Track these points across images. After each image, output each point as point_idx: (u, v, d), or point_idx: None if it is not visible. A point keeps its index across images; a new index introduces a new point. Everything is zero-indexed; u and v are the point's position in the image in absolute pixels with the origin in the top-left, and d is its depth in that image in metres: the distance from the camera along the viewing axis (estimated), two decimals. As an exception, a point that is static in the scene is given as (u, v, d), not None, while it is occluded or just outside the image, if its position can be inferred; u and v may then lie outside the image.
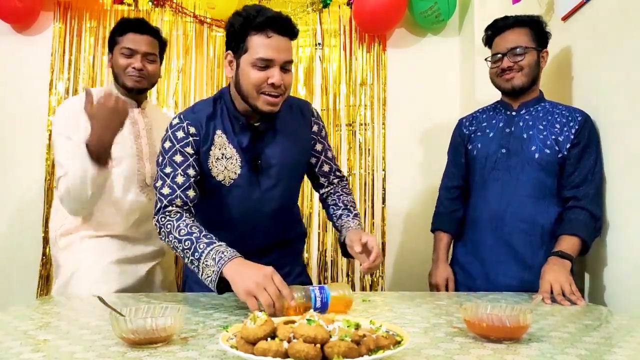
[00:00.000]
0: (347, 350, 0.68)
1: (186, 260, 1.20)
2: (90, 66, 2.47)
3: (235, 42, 1.28)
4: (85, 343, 0.87)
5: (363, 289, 2.43)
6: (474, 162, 1.65)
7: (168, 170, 1.30)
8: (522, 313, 0.91)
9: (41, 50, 2.45)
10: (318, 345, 0.68)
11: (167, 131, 1.33)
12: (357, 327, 0.74)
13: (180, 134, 1.31)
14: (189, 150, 1.31)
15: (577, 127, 1.51)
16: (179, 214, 1.25)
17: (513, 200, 1.53)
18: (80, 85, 2.46)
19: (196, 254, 1.16)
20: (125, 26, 1.69)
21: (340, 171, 1.57)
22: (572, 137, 1.51)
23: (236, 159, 1.35)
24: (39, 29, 2.48)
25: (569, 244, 1.43)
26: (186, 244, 1.19)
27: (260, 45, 1.24)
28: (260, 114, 1.31)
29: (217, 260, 1.13)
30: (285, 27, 1.26)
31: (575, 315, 1.16)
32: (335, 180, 1.54)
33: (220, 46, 2.58)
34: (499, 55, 1.58)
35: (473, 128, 1.71)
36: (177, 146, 1.30)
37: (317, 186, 1.56)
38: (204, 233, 1.20)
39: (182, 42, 2.55)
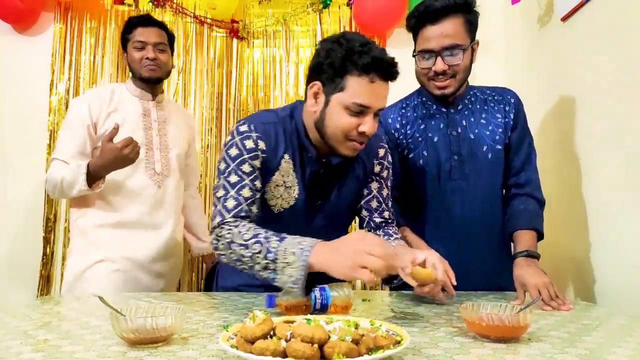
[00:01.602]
0: (348, 351, 0.68)
1: (257, 268, 1.05)
2: (90, 66, 2.48)
3: (329, 75, 1.13)
4: (86, 343, 0.87)
5: (364, 287, 2.43)
6: (420, 173, 1.48)
7: (234, 179, 1.17)
8: (522, 313, 0.91)
9: (42, 51, 2.46)
10: (315, 345, 0.68)
11: (233, 136, 1.21)
12: (357, 326, 0.74)
13: (249, 144, 1.19)
14: (257, 163, 1.20)
15: (513, 111, 1.48)
16: (237, 222, 1.13)
17: (476, 209, 1.45)
18: (81, 86, 2.46)
19: (269, 254, 1.02)
20: (133, 23, 1.83)
21: (389, 212, 1.36)
22: (512, 122, 1.47)
23: (295, 191, 1.25)
24: (40, 30, 2.49)
25: (530, 240, 1.38)
26: (254, 247, 1.04)
27: (360, 89, 1.10)
28: (338, 155, 1.21)
29: (298, 253, 0.99)
30: (391, 72, 1.12)
31: (575, 315, 1.16)
32: (378, 221, 1.34)
33: (220, 46, 2.59)
34: (432, 53, 1.36)
35: (408, 131, 1.50)
36: (246, 156, 1.19)
37: (359, 221, 1.39)
38: (270, 232, 1.07)
39: (182, 42, 2.55)
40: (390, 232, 1.33)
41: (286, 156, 1.23)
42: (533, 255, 1.35)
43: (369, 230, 1.35)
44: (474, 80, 1.55)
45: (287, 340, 0.70)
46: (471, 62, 1.42)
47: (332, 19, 2.59)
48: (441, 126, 1.48)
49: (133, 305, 0.93)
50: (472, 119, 1.48)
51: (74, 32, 2.49)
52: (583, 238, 1.58)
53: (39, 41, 2.47)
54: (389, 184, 1.38)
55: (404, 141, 1.51)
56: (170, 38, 1.89)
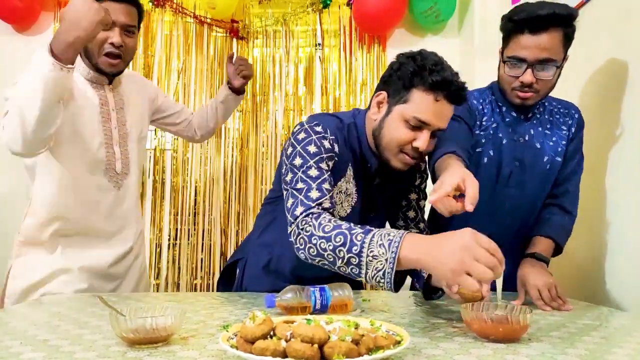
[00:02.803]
0: (348, 351, 0.68)
1: (339, 263, 0.99)
2: (90, 66, 2.48)
3: (396, 87, 1.15)
4: (85, 343, 0.87)
5: (364, 287, 2.42)
6: (479, 171, 1.43)
7: (314, 173, 1.13)
8: (522, 313, 0.91)
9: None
10: (315, 346, 0.68)
11: (308, 134, 1.17)
12: (357, 327, 0.74)
13: (327, 144, 1.17)
14: (331, 164, 1.18)
15: (575, 126, 1.47)
16: (317, 214, 1.06)
17: (518, 217, 1.46)
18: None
19: (354, 247, 0.95)
20: None
21: (424, 224, 1.39)
22: (572, 136, 1.47)
23: (353, 199, 1.25)
24: (40, 29, 2.49)
25: (543, 245, 1.38)
26: (337, 239, 0.98)
27: (424, 105, 1.11)
28: (390, 168, 1.21)
29: (387, 245, 0.92)
30: (458, 96, 1.12)
31: (575, 315, 1.16)
32: (413, 232, 1.30)
33: (220, 46, 2.59)
34: (523, 62, 1.31)
35: (483, 122, 1.46)
36: (325, 155, 1.16)
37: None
38: (352, 224, 1.01)
39: (182, 42, 2.55)
40: None
41: (350, 164, 1.23)
42: (540, 259, 1.34)
43: None
44: (474, 83, 1.55)
45: (287, 341, 0.70)
46: (558, 76, 1.37)
47: (332, 19, 2.59)
48: (509, 131, 1.44)
49: (133, 305, 0.93)
50: (540, 129, 1.45)
51: (73, 32, 2.48)
52: (588, 238, 1.58)
53: (39, 41, 2.47)
54: (426, 195, 1.40)
55: (477, 131, 1.44)
56: (141, 15, 1.55)
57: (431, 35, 2.54)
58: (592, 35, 1.60)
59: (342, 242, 0.97)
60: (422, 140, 1.13)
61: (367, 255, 0.94)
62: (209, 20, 2.56)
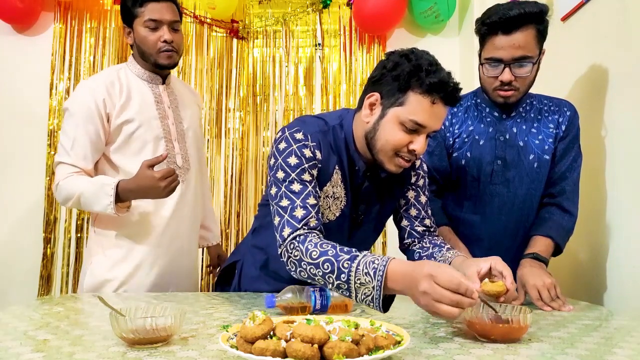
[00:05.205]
0: (348, 351, 0.68)
1: (330, 286, 1.02)
2: (90, 67, 2.48)
3: (391, 88, 1.12)
4: (85, 343, 0.87)
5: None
6: (461, 173, 1.49)
7: (297, 187, 1.12)
8: (522, 313, 0.91)
9: (42, 51, 2.46)
10: (315, 346, 0.68)
11: (288, 143, 1.15)
12: (357, 327, 0.74)
13: (307, 153, 1.15)
14: (314, 172, 1.16)
15: (566, 122, 1.46)
16: (303, 236, 1.07)
17: (512, 217, 1.46)
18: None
19: (342, 275, 0.98)
20: None
21: (430, 220, 1.36)
22: (562, 133, 1.46)
23: (341, 202, 1.23)
24: (40, 30, 2.49)
25: (542, 245, 1.38)
26: (325, 267, 1.00)
27: (420, 108, 1.09)
28: (382, 170, 1.20)
29: (373, 274, 0.95)
30: (453, 97, 1.11)
31: (575, 315, 1.16)
32: (420, 230, 1.34)
33: (220, 46, 2.59)
34: (500, 62, 1.35)
35: (456, 130, 1.51)
36: (306, 165, 1.14)
37: (400, 233, 1.38)
38: (338, 247, 1.02)
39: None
40: (438, 242, 1.32)
41: (337, 167, 1.21)
42: (539, 259, 1.34)
43: (413, 241, 1.34)
44: (474, 83, 1.55)
45: (287, 341, 0.70)
46: (537, 71, 1.39)
47: (332, 19, 2.59)
48: (490, 130, 1.47)
49: (133, 306, 0.93)
50: (524, 127, 1.46)
51: (74, 32, 2.49)
52: (588, 238, 1.58)
53: (39, 41, 2.48)
54: (426, 192, 1.37)
55: (450, 139, 1.51)
56: (179, 10, 1.65)
57: (431, 35, 2.54)
58: (591, 35, 1.60)
59: (330, 269, 1.00)
60: (419, 144, 1.11)
61: (355, 282, 0.97)
62: (209, 20, 2.56)
